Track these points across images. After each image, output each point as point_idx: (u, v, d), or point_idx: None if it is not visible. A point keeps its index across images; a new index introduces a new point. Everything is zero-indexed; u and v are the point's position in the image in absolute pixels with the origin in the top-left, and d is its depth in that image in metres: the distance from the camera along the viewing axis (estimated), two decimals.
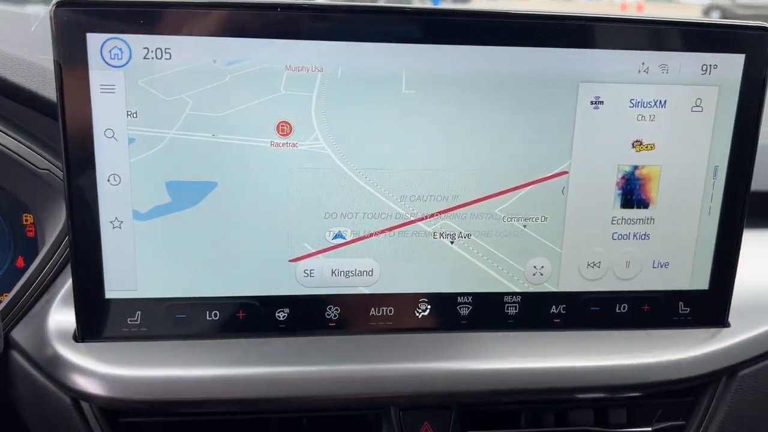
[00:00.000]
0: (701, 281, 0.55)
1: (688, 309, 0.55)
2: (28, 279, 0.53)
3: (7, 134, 0.55)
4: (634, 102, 0.50)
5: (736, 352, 0.55)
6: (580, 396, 0.53)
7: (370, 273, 0.52)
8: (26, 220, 0.64)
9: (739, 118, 0.51)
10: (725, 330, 0.56)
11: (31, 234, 0.63)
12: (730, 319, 0.56)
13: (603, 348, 0.53)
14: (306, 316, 0.52)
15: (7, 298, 0.53)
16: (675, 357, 0.53)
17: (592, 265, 0.53)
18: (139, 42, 0.45)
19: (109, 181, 0.48)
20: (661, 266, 0.54)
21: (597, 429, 0.56)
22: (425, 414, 0.51)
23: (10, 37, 0.56)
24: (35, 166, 0.54)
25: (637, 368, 0.53)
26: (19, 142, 0.55)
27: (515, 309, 0.53)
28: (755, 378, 0.56)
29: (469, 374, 0.51)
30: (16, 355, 0.52)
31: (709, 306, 0.55)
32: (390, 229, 0.51)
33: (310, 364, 0.50)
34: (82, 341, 0.50)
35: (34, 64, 0.56)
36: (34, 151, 0.55)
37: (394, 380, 0.50)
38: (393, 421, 0.51)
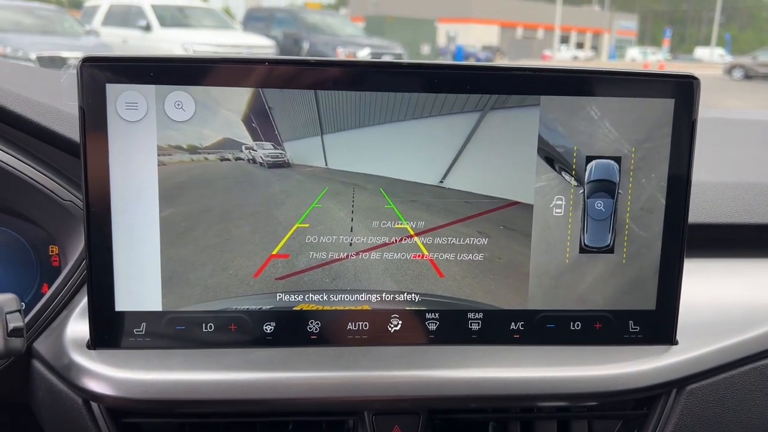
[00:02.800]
0: (648, 302, 0.61)
1: (638, 327, 0.61)
2: (50, 297, 0.61)
3: (37, 170, 0.63)
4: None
5: (684, 367, 0.60)
6: (538, 403, 0.59)
7: (356, 291, 0.59)
8: (52, 251, 0.72)
9: (672, 155, 0.58)
10: (674, 347, 0.61)
11: (56, 264, 0.71)
12: (679, 338, 0.61)
13: (559, 360, 0.59)
14: (290, 329, 0.58)
15: (31, 312, 0.60)
16: (626, 370, 0.59)
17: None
18: (151, 92, 0.53)
19: (129, 208, 0.55)
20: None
21: None
22: (396, 418, 0.57)
23: (42, 89, 0.65)
24: (60, 198, 0.63)
25: (590, 379, 0.58)
26: (46, 176, 0.63)
27: (478, 325, 0.60)
28: (703, 392, 0.61)
29: (435, 381, 0.57)
30: (37, 364, 0.59)
31: (658, 325, 0.61)
32: (374, 248, 0.58)
33: (293, 370, 0.56)
34: (95, 349, 0.57)
35: (61, 111, 0.64)
36: (59, 184, 0.63)
37: (367, 386, 0.56)
38: (367, 424, 0.57)
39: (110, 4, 10.48)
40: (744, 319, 0.64)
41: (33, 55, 7.09)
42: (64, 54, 7.25)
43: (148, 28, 9.63)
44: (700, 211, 0.70)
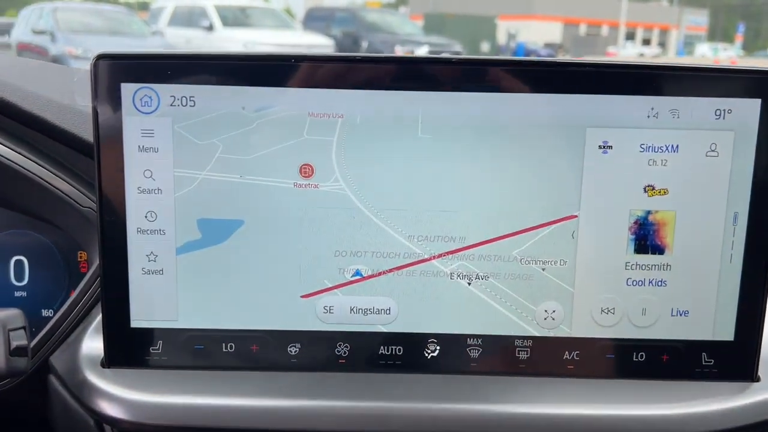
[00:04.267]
0: (726, 332, 0.53)
1: (713, 360, 0.53)
2: (67, 309, 0.58)
3: (59, 177, 0.60)
4: (644, 147, 0.50)
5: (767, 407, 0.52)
6: None
7: (388, 311, 0.53)
8: (80, 257, 0.69)
9: (758, 164, 0.50)
10: (755, 384, 0.53)
11: (84, 270, 0.69)
12: (761, 374, 0.53)
13: (620, 397, 0.52)
14: (317, 352, 0.53)
15: (46, 327, 0.57)
16: (699, 410, 0.51)
17: (605, 311, 0.53)
18: (166, 91, 0.49)
19: (146, 217, 0.52)
20: (681, 314, 0.53)
21: None
22: None
23: (56, 87, 0.62)
24: (80, 204, 0.60)
25: (657, 419, 0.51)
26: (67, 183, 0.60)
27: (527, 353, 0.53)
28: None
29: (477, 417, 0.50)
30: (53, 379, 0.56)
31: (736, 358, 0.53)
32: (405, 266, 0.52)
33: (318, 398, 0.51)
34: (109, 367, 0.53)
35: (77, 110, 0.61)
36: (78, 190, 0.60)
37: (400, 418, 0.51)
38: None
39: (175, 5, 10.78)
40: None
41: None
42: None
43: (211, 28, 9.85)
44: None
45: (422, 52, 10.46)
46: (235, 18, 10.29)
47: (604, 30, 39.87)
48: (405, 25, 12.55)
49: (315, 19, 12.68)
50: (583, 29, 38.81)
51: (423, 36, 12.31)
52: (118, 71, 0.49)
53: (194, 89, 0.49)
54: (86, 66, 0.52)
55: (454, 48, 11.22)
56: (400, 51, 10.49)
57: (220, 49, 8.88)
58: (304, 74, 0.49)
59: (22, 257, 0.69)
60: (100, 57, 0.49)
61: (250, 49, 8.65)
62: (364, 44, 11.13)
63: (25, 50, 8.61)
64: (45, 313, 0.67)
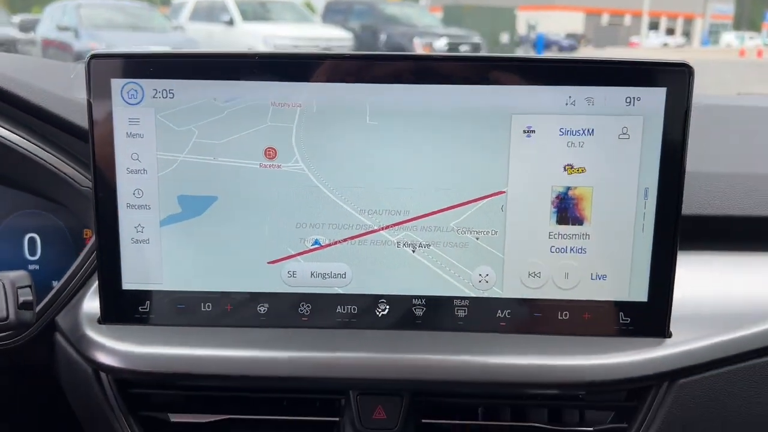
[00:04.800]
0: (640, 294, 0.60)
1: (629, 319, 0.60)
2: (69, 276, 0.66)
3: (62, 160, 0.69)
4: (563, 130, 0.57)
5: (676, 360, 0.59)
6: (524, 391, 0.60)
7: (344, 276, 0.61)
8: (86, 234, 0.78)
9: (664, 145, 0.57)
10: (667, 340, 0.60)
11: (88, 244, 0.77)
12: (673, 330, 0.60)
13: (547, 348, 0.59)
14: (283, 311, 0.61)
15: (52, 291, 0.66)
16: (616, 360, 0.59)
17: (532, 274, 0.60)
18: (149, 85, 0.57)
19: (134, 194, 0.60)
20: (599, 278, 0.60)
21: (544, 426, 0.62)
22: (379, 399, 0.59)
23: (56, 82, 0.71)
24: (79, 185, 0.68)
25: (579, 368, 0.58)
26: (69, 165, 0.69)
27: (464, 312, 0.61)
28: (695, 387, 0.60)
29: (417, 365, 0.58)
30: (58, 336, 0.65)
31: (649, 317, 0.60)
32: (358, 236, 0.60)
33: (283, 350, 0.59)
34: (104, 324, 0.62)
35: (74, 101, 0.69)
36: (78, 172, 0.69)
37: (352, 367, 0.59)
38: (352, 403, 0.60)
39: (196, 0, 10.90)
40: (745, 314, 0.62)
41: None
42: (154, 49, 7.62)
43: (231, 22, 9.96)
44: (709, 203, 0.68)
45: (441, 44, 10.47)
46: (254, 12, 10.39)
47: (627, 20, 39.33)
48: (424, 17, 12.55)
49: (334, 12, 12.72)
50: (605, 19, 38.32)
51: (442, 28, 12.30)
52: (108, 68, 0.57)
53: (173, 83, 0.58)
54: None
55: (473, 40, 11.20)
56: (418, 43, 10.51)
57: (240, 44, 8.96)
58: (266, 69, 0.57)
59: (34, 235, 0.78)
60: (93, 56, 0.57)
61: (270, 43, 8.78)
62: (383, 37, 11.16)
63: (50, 46, 8.80)
64: (55, 284, 0.76)
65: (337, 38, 9.76)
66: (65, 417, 0.67)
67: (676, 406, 0.59)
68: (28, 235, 0.78)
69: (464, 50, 10.37)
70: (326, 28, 10.66)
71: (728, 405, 0.60)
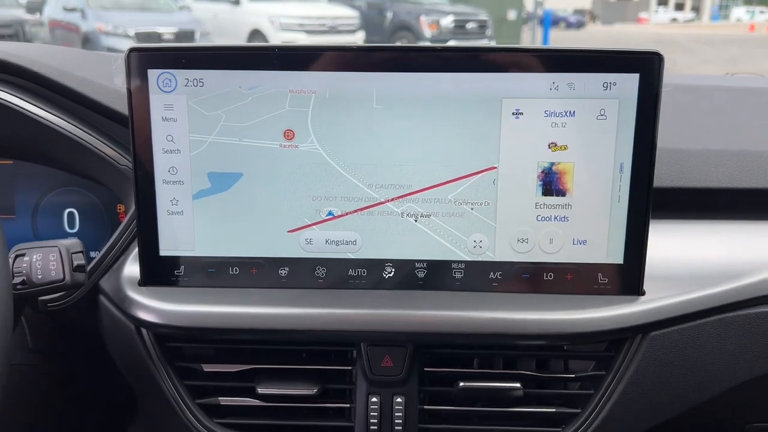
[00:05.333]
0: (616, 256, 0.68)
1: (607, 279, 0.68)
2: (111, 244, 0.75)
3: (102, 142, 0.76)
4: (548, 112, 0.65)
5: (649, 315, 0.67)
6: (514, 342, 0.68)
7: (354, 243, 0.69)
8: (119, 209, 0.86)
9: (638, 124, 0.64)
10: (641, 298, 0.68)
11: (122, 219, 0.85)
12: (647, 289, 0.68)
13: (535, 305, 0.67)
14: (301, 273, 0.69)
15: (96, 257, 0.74)
16: (595, 315, 0.67)
17: (521, 240, 0.68)
18: (181, 75, 0.65)
19: (169, 171, 0.68)
20: (580, 243, 0.68)
21: (532, 373, 0.70)
22: (386, 349, 0.68)
23: (97, 72, 0.78)
24: (118, 164, 0.76)
25: (562, 322, 0.66)
26: (107, 145, 0.76)
27: (461, 273, 0.69)
28: (665, 339, 0.68)
29: (419, 319, 0.66)
30: (102, 298, 0.73)
31: (625, 277, 0.68)
32: (366, 208, 0.68)
33: (302, 307, 0.67)
34: (144, 286, 0.70)
35: (113, 89, 0.77)
36: (117, 152, 0.76)
37: (362, 321, 0.67)
38: (363, 353, 0.68)
39: None
40: (710, 275, 0.69)
41: (131, 32, 7.51)
42: (160, 30, 7.66)
43: (236, 2, 9.93)
44: (679, 175, 0.75)
45: (447, 21, 10.42)
46: None
47: None
48: None
49: None
50: None
51: (448, 5, 12.21)
52: (145, 60, 0.65)
53: (202, 73, 0.65)
54: (114, 40, 0.67)
55: (480, 17, 11.12)
56: (425, 21, 10.46)
57: (246, 23, 8.95)
58: (285, 60, 0.65)
59: (73, 210, 0.86)
60: (132, 50, 0.65)
61: (276, 22, 8.78)
62: (389, 15, 11.09)
63: (57, 27, 8.82)
64: (92, 254, 0.84)
65: (343, 16, 9.73)
66: (110, 370, 0.76)
67: (648, 356, 0.67)
68: (67, 210, 0.86)
69: (471, 27, 10.32)
70: (332, 6, 10.62)
71: (695, 355, 0.68)
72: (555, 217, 0.67)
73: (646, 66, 0.63)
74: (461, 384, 0.69)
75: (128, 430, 0.96)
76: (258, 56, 0.65)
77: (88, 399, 0.87)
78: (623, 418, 0.69)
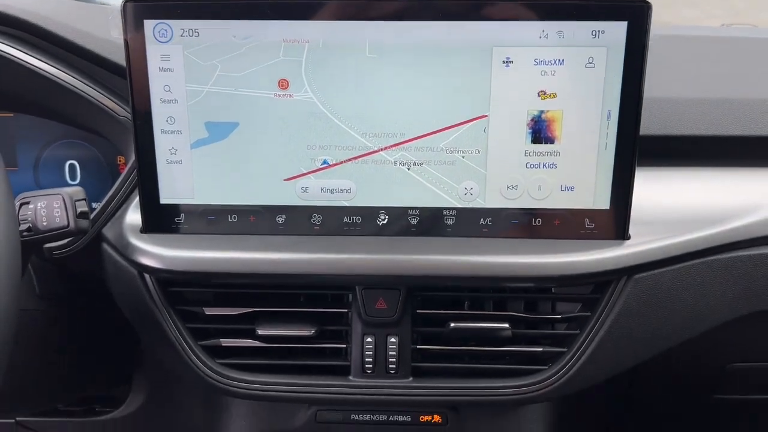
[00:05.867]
0: (603, 202, 0.70)
1: (593, 224, 0.70)
2: (112, 194, 0.76)
3: (101, 93, 0.78)
4: (537, 61, 0.66)
5: (633, 258, 0.69)
6: (503, 284, 0.70)
7: (349, 191, 0.71)
8: (120, 161, 0.88)
9: (626, 72, 0.65)
10: (626, 242, 0.70)
11: (122, 170, 0.87)
12: (632, 233, 0.70)
13: (524, 249, 0.70)
14: (298, 221, 0.72)
15: (98, 206, 0.76)
16: (581, 258, 0.69)
17: (510, 187, 0.70)
18: (177, 25, 0.66)
19: (167, 121, 0.70)
20: (568, 189, 0.70)
21: (519, 314, 0.73)
22: (380, 292, 0.71)
23: (94, 24, 0.79)
24: (117, 114, 0.77)
25: (550, 264, 0.69)
26: (108, 97, 0.78)
27: (452, 220, 0.71)
28: (649, 281, 0.70)
29: (411, 263, 0.69)
30: (105, 246, 0.75)
31: (611, 222, 0.70)
32: (360, 156, 0.70)
33: (300, 252, 0.70)
34: (146, 233, 0.72)
35: (111, 41, 0.78)
36: (116, 103, 0.78)
37: (357, 265, 0.69)
38: (358, 297, 0.71)
39: None
40: (693, 220, 0.72)
41: None
42: None
43: None
44: (666, 123, 0.77)
45: None
46: None
47: None
48: None
49: None
50: None
51: None
52: (141, 11, 0.66)
53: (198, 23, 0.66)
54: None
55: None
56: None
57: None
58: (278, 10, 0.65)
59: (74, 162, 0.88)
60: (128, 0, 0.66)
61: None
62: None
63: None
64: (94, 206, 0.86)
65: None
66: (116, 317, 0.79)
67: (632, 297, 0.70)
68: (68, 162, 0.88)
69: None
70: None
71: (678, 296, 0.71)
72: (543, 164, 0.69)
73: (635, 14, 0.64)
74: (452, 325, 0.72)
75: (135, 375, 1.00)
76: (251, 6, 0.66)
77: (95, 344, 0.90)
78: (607, 357, 0.72)
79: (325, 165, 0.70)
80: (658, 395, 0.91)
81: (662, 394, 0.91)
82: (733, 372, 0.84)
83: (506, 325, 0.72)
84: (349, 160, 0.70)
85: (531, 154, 0.69)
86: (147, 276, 0.73)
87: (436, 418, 0.79)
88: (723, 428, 0.99)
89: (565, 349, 0.72)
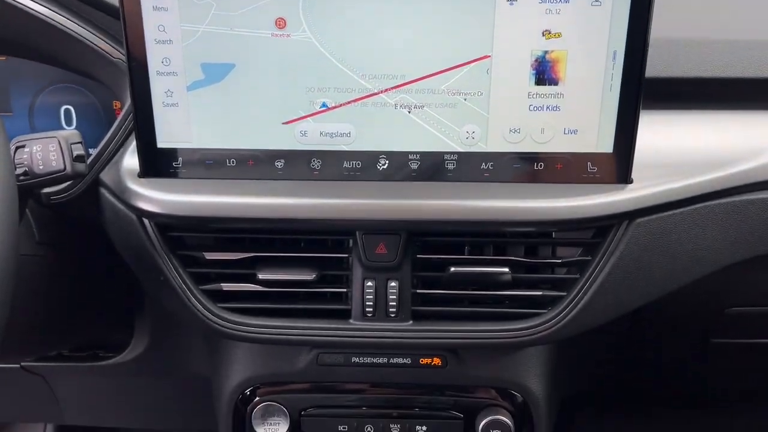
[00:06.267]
0: (606, 145, 0.69)
1: (596, 168, 0.69)
2: (109, 138, 0.75)
3: (95, 34, 0.76)
4: None
5: (635, 202, 0.69)
6: (504, 229, 0.70)
7: (348, 135, 0.70)
8: (115, 105, 0.86)
9: (633, 11, 0.64)
10: (629, 186, 0.69)
11: (118, 115, 0.86)
12: (634, 177, 0.69)
13: (526, 194, 0.69)
14: (297, 165, 0.71)
15: (95, 151, 0.75)
16: (583, 202, 0.69)
17: (513, 130, 0.69)
18: None
19: (162, 62, 0.68)
20: (571, 132, 0.68)
21: (519, 259, 0.73)
22: (381, 237, 0.70)
23: None
24: (111, 56, 0.76)
25: (551, 209, 0.68)
26: (102, 39, 0.76)
27: (453, 164, 0.70)
28: (651, 225, 0.70)
29: (412, 208, 0.69)
30: (103, 191, 0.75)
31: (614, 166, 0.69)
32: (360, 99, 0.68)
33: (300, 197, 0.69)
34: (144, 177, 0.72)
35: None
36: (111, 45, 0.76)
37: (358, 210, 0.69)
38: (358, 241, 0.71)
39: None
40: (696, 164, 0.71)
41: None
42: None
43: None
44: (671, 65, 0.75)
45: None
46: None
47: None
48: None
49: None
50: None
51: None
52: None
53: None
54: None
55: None
56: None
57: None
58: None
59: (69, 107, 0.87)
60: None
61: None
62: None
63: None
64: (91, 152, 0.85)
65: None
66: (117, 263, 0.79)
67: (633, 241, 0.70)
68: (63, 107, 0.87)
69: None
70: None
71: (679, 240, 0.71)
72: (547, 107, 0.68)
73: None
74: (452, 269, 0.72)
75: (136, 321, 1.01)
76: None
77: (97, 291, 0.90)
78: (606, 301, 0.72)
79: (324, 108, 0.69)
80: (655, 339, 0.92)
81: (660, 339, 0.92)
82: (731, 316, 0.85)
83: (506, 270, 0.72)
84: (349, 102, 0.69)
85: (534, 96, 0.67)
86: (146, 221, 0.72)
87: (436, 360, 0.79)
88: (719, 372, 1.01)
89: (564, 293, 0.73)
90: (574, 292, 0.72)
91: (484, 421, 0.81)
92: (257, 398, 0.83)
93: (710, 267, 0.73)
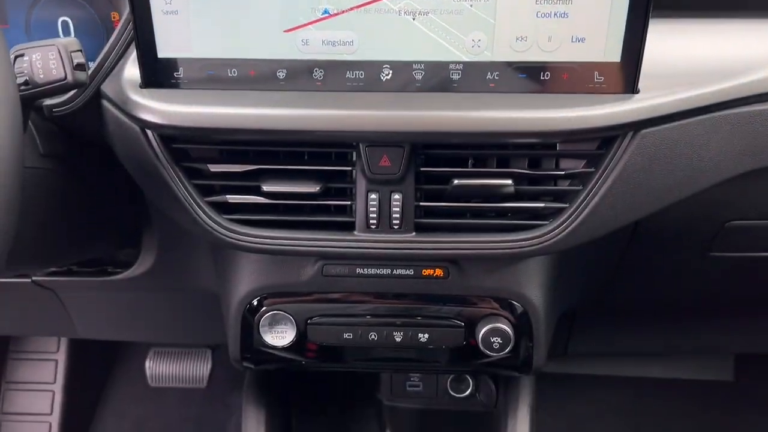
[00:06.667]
0: (614, 54, 0.67)
1: (603, 78, 0.68)
2: (109, 48, 0.74)
3: None
4: None
5: (641, 112, 0.68)
6: (509, 140, 0.70)
7: (351, 43, 0.69)
8: (114, 17, 0.84)
9: None
10: (635, 96, 0.69)
11: (116, 26, 0.84)
12: (641, 87, 0.69)
13: (531, 104, 0.68)
14: (299, 75, 0.70)
15: (96, 61, 0.74)
16: (589, 113, 0.68)
17: (520, 38, 0.67)
18: None
19: None
20: (579, 40, 0.67)
21: (522, 171, 0.73)
22: (384, 149, 0.70)
23: None
24: None
25: (556, 119, 0.68)
26: None
27: (458, 75, 0.69)
28: (654, 136, 0.69)
29: (416, 119, 0.68)
30: (105, 102, 0.74)
31: (621, 75, 0.68)
32: (363, 5, 0.67)
33: (302, 108, 0.69)
34: (145, 88, 0.71)
35: None
36: None
37: (361, 121, 0.68)
38: (362, 153, 0.70)
39: None
40: (704, 74, 0.70)
41: None
42: None
43: None
44: None
45: None
46: None
47: None
48: None
49: None
50: None
51: None
52: None
53: None
54: None
55: None
56: None
57: None
58: None
59: (67, 18, 0.85)
60: None
61: None
62: None
63: None
64: (91, 65, 0.84)
65: None
66: (121, 177, 0.79)
67: (637, 153, 0.70)
68: (61, 19, 0.85)
69: None
70: None
71: (683, 151, 0.70)
72: (555, 14, 0.66)
73: None
74: (455, 182, 0.72)
75: (144, 235, 1.02)
76: None
77: (102, 204, 0.91)
78: (607, 213, 0.72)
79: (326, 15, 0.67)
80: (655, 252, 0.93)
81: (660, 251, 0.93)
82: (732, 229, 0.86)
83: (509, 182, 0.72)
84: (351, 9, 0.67)
85: (542, 2, 0.66)
86: (149, 132, 0.72)
87: (438, 271, 0.81)
88: (718, 285, 1.02)
89: (566, 205, 0.73)
90: (576, 204, 0.72)
91: (484, 329, 0.83)
92: (264, 308, 0.85)
93: (713, 179, 0.73)
